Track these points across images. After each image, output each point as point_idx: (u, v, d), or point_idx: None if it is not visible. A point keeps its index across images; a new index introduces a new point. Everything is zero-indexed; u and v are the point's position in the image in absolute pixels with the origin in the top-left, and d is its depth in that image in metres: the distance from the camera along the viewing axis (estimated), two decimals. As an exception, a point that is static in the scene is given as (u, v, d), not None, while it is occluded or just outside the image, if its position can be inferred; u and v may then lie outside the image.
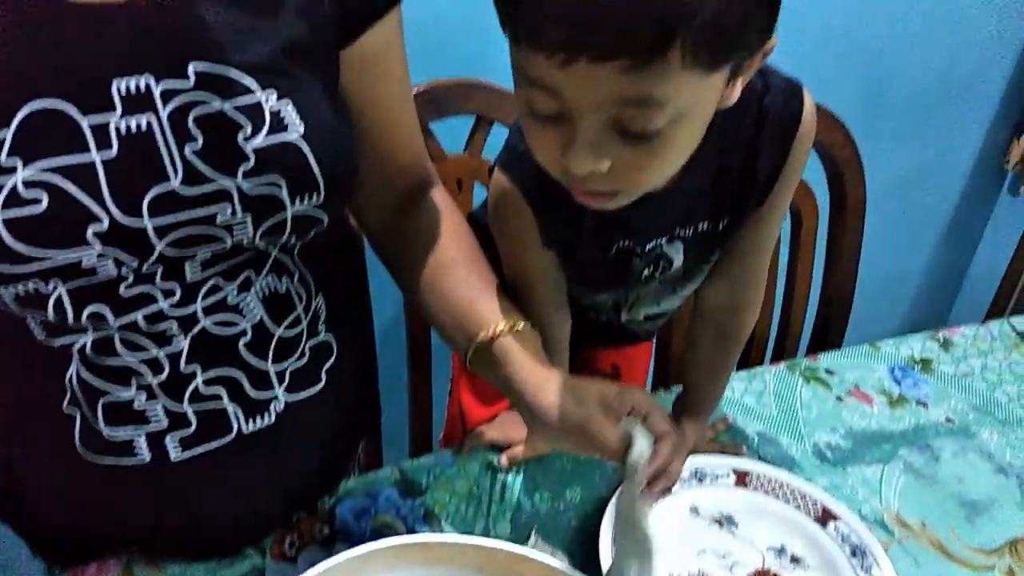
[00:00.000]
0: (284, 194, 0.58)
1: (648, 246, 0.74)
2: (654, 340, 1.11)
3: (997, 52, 1.73)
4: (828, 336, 1.25)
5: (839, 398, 0.98)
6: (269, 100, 0.57)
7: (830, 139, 1.12)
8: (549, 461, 0.87)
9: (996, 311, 2.02)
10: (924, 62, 1.64)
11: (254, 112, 0.56)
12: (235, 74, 0.56)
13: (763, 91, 0.67)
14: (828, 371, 1.02)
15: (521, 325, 0.68)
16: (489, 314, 0.69)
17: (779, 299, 1.21)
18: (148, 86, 0.54)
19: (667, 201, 0.69)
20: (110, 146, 0.53)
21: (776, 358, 1.24)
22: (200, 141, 0.55)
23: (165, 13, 0.54)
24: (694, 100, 0.52)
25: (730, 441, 0.91)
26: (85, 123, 0.52)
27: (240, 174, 0.56)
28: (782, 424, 0.94)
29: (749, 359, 1.19)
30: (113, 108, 0.53)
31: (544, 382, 0.65)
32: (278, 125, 0.57)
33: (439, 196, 0.78)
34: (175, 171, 0.55)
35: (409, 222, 0.77)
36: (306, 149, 0.59)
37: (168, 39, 0.54)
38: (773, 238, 0.79)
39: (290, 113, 0.58)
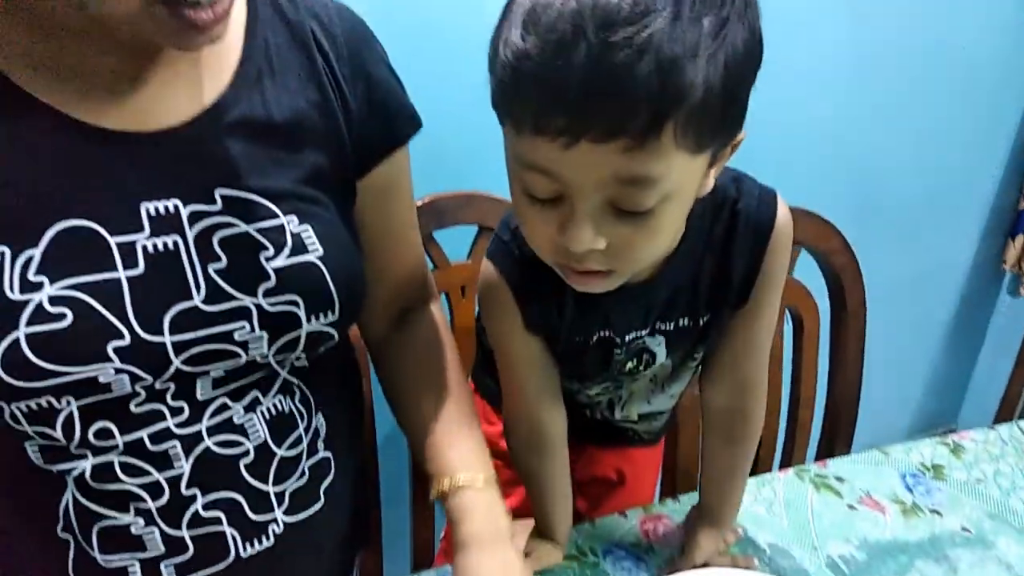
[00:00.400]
0: (301, 312, 0.60)
1: (628, 337, 0.75)
2: (662, 447, 1.10)
3: (985, 158, 1.78)
4: (836, 439, 1.23)
5: (851, 506, 0.96)
6: (291, 224, 0.60)
7: (827, 246, 1.14)
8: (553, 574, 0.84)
9: (1005, 414, 2.00)
10: (917, 170, 1.70)
11: (277, 234, 0.59)
12: (259, 200, 0.59)
13: (737, 197, 0.71)
14: (838, 478, 1.00)
15: (481, 480, 0.69)
16: (455, 461, 0.70)
17: (785, 403, 1.21)
18: (176, 208, 0.56)
19: (646, 295, 0.72)
20: (136, 264, 0.54)
21: (785, 463, 1.22)
22: (224, 261, 0.57)
23: (195, 143, 0.57)
24: (681, 180, 0.55)
25: (742, 553, 0.88)
26: (113, 242, 0.54)
27: (261, 292, 0.58)
28: (794, 534, 0.91)
29: (757, 464, 1.17)
30: (141, 228, 0.55)
31: (477, 550, 0.66)
32: (299, 247, 0.60)
33: (435, 313, 0.80)
34: (198, 289, 0.56)
35: (403, 335, 0.79)
36: (324, 269, 0.61)
37: (197, 167, 0.57)
38: (765, 342, 0.79)
39: (310, 236, 0.61)
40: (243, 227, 0.58)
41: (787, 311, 1.17)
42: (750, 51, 0.53)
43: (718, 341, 0.78)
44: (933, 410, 2.10)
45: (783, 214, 0.72)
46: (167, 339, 0.55)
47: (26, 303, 0.51)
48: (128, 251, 0.54)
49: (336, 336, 0.65)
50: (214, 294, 0.57)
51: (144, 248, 0.55)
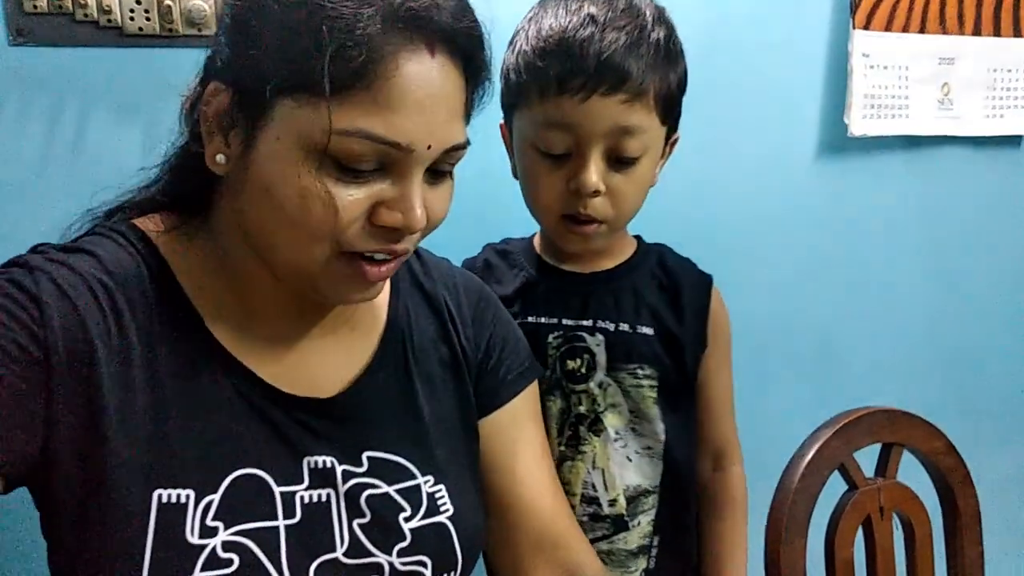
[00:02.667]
0: (428, 571, 0.63)
1: (565, 321, 0.87)
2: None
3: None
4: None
5: None
6: (427, 484, 0.65)
7: (931, 447, 1.12)
8: None
9: None
10: (1019, 361, 1.66)
11: (414, 495, 0.64)
12: (400, 461, 0.64)
13: (675, 260, 0.94)
14: None
15: None
16: None
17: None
18: (332, 464, 0.61)
19: (587, 284, 0.89)
20: (294, 514, 0.59)
21: None
22: (368, 518, 0.62)
23: (347, 409, 0.64)
24: (653, 140, 0.80)
25: None
26: (277, 491, 0.59)
27: (395, 551, 0.62)
28: None
29: None
30: (301, 481, 0.60)
31: None
32: (432, 508, 0.65)
33: (586, 555, 0.78)
34: (342, 542, 0.60)
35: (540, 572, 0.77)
36: (453, 531, 0.65)
37: (348, 430, 0.64)
38: (726, 406, 0.97)
39: (443, 496, 0.66)
40: (385, 488, 0.63)
41: (895, 516, 1.13)
42: (685, 73, 0.82)
43: (692, 414, 0.93)
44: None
45: (716, 294, 0.94)
46: None
47: (203, 548, 0.55)
48: (289, 501, 0.59)
49: None
50: (354, 548, 0.61)
51: (302, 499, 0.60)
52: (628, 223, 0.88)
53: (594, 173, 0.77)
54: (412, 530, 0.63)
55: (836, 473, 1.07)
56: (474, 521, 0.69)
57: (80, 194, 1.03)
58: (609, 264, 0.91)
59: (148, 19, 1.03)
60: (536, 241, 0.95)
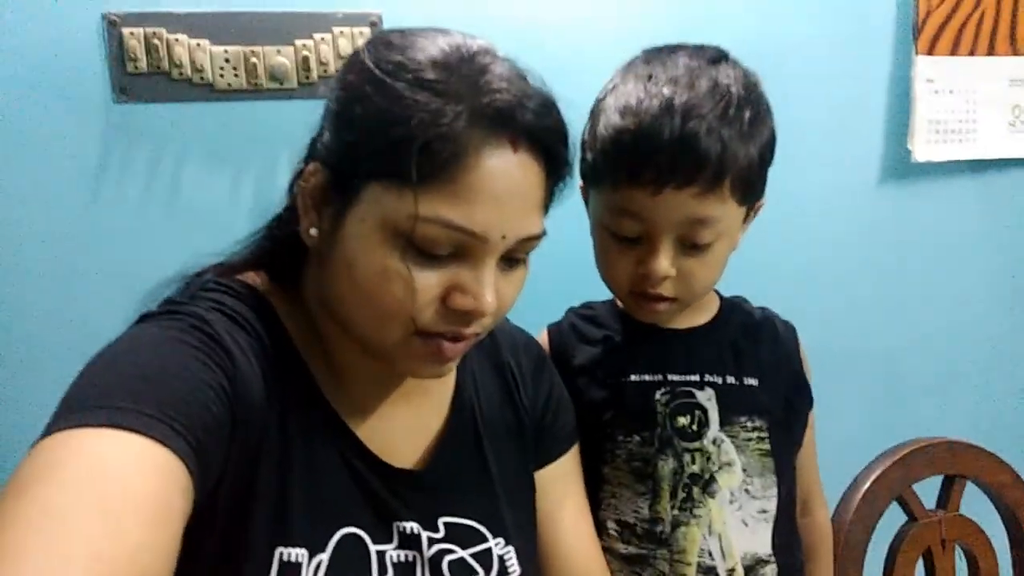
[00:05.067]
0: None
1: (671, 377, 0.85)
2: None
3: None
4: None
5: None
6: (498, 546, 0.69)
7: (997, 480, 1.10)
8: None
9: None
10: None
11: (486, 558, 0.68)
12: (474, 525, 0.68)
13: (761, 310, 0.95)
14: None
15: None
16: None
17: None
18: (418, 531, 0.66)
19: (688, 339, 0.87)
20: (386, 573, 0.63)
21: None
22: None
23: (424, 477, 0.68)
24: (730, 223, 0.78)
25: None
26: (373, 551, 0.63)
27: None
28: None
29: None
30: (391, 541, 0.64)
31: None
32: (503, 571, 0.68)
33: None
34: None
35: None
36: None
37: (426, 498, 0.67)
38: (812, 455, 0.96)
39: (512, 559, 0.69)
40: (460, 552, 0.66)
41: (958, 548, 1.12)
42: (772, 139, 0.78)
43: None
44: None
45: (801, 343, 0.94)
46: None
47: None
48: (382, 560, 0.63)
49: None
50: None
51: (392, 558, 0.64)
52: (702, 298, 0.87)
53: (664, 260, 0.76)
54: None
55: (899, 506, 1.07)
56: None
57: (177, 235, 1.14)
58: (702, 319, 0.90)
59: (236, 75, 1.12)
60: (619, 303, 0.93)
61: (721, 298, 0.94)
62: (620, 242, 0.78)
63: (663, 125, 0.71)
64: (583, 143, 0.80)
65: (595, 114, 0.79)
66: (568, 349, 0.90)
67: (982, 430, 1.10)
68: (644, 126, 0.72)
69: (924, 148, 1.35)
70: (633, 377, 0.86)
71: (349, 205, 0.58)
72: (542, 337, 0.91)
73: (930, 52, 1.33)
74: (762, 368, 0.88)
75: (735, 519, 0.83)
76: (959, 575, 1.11)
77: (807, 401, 0.92)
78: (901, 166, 1.37)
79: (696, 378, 0.85)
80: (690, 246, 0.76)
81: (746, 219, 0.82)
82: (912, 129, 1.34)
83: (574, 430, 0.82)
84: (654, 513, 0.82)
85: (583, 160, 0.80)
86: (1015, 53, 1.38)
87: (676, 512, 0.82)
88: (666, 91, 0.73)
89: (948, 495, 1.10)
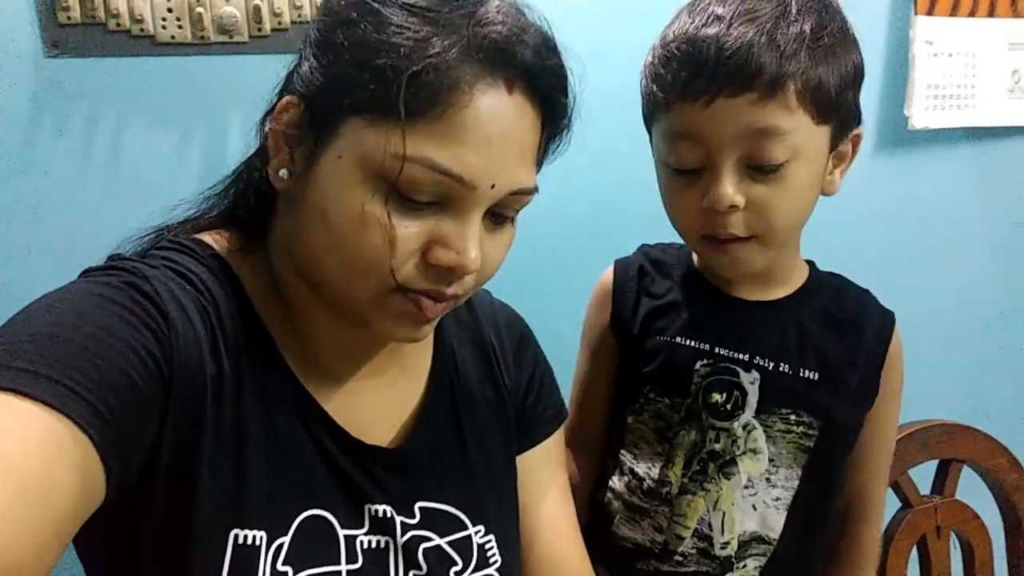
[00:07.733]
0: None
1: (719, 350, 0.79)
2: None
3: None
4: None
5: None
6: (477, 535, 0.63)
7: (993, 463, 1.06)
8: None
9: None
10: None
11: (465, 547, 0.63)
12: (452, 511, 0.63)
13: (859, 292, 0.85)
14: None
15: None
16: None
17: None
18: (391, 515, 0.60)
19: (748, 312, 0.80)
20: (356, 559, 0.58)
21: None
22: (424, 569, 0.60)
23: (401, 457, 0.63)
24: (807, 142, 0.69)
25: None
26: (341, 535, 0.57)
27: None
28: None
29: None
30: (362, 526, 0.59)
31: None
32: (482, 560, 0.63)
33: None
34: None
35: None
36: None
37: (401, 479, 0.62)
38: (881, 457, 0.87)
39: (492, 547, 0.64)
40: (437, 540, 0.61)
41: (952, 535, 1.08)
42: (853, 64, 0.70)
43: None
44: None
45: (898, 335, 0.83)
46: None
47: None
48: (351, 545, 0.58)
49: None
50: None
51: (362, 543, 0.58)
52: (789, 239, 0.78)
53: (728, 185, 0.68)
54: None
55: (890, 491, 1.02)
56: (518, 570, 0.68)
57: (119, 200, 1.05)
58: (776, 293, 0.81)
59: (180, 27, 1.02)
60: (696, 256, 0.86)
61: (811, 273, 0.85)
62: (682, 176, 0.72)
63: (712, 35, 0.67)
64: (641, 87, 0.76)
65: (651, 50, 0.75)
66: (627, 291, 0.86)
67: (981, 408, 1.05)
68: (691, 39, 0.69)
69: (922, 115, 1.28)
70: (679, 339, 0.81)
71: (326, 142, 0.53)
72: (607, 271, 0.88)
73: (930, 12, 1.26)
74: (828, 362, 0.79)
75: (746, 503, 0.80)
76: (953, 562, 1.07)
77: (867, 405, 0.82)
78: (898, 134, 1.30)
79: (744, 357, 0.79)
80: (757, 168, 0.69)
81: (835, 148, 0.73)
82: (910, 94, 1.27)
83: (557, 413, 0.76)
84: (663, 476, 0.81)
85: (642, 103, 0.77)
86: (1015, 15, 1.31)
87: (686, 481, 0.81)
88: (715, 7, 0.69)
89: (944, 480, 1.06)
